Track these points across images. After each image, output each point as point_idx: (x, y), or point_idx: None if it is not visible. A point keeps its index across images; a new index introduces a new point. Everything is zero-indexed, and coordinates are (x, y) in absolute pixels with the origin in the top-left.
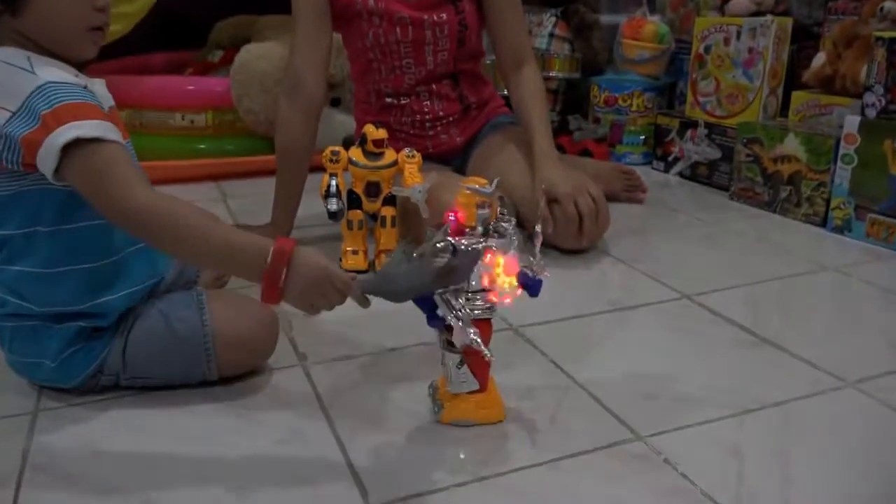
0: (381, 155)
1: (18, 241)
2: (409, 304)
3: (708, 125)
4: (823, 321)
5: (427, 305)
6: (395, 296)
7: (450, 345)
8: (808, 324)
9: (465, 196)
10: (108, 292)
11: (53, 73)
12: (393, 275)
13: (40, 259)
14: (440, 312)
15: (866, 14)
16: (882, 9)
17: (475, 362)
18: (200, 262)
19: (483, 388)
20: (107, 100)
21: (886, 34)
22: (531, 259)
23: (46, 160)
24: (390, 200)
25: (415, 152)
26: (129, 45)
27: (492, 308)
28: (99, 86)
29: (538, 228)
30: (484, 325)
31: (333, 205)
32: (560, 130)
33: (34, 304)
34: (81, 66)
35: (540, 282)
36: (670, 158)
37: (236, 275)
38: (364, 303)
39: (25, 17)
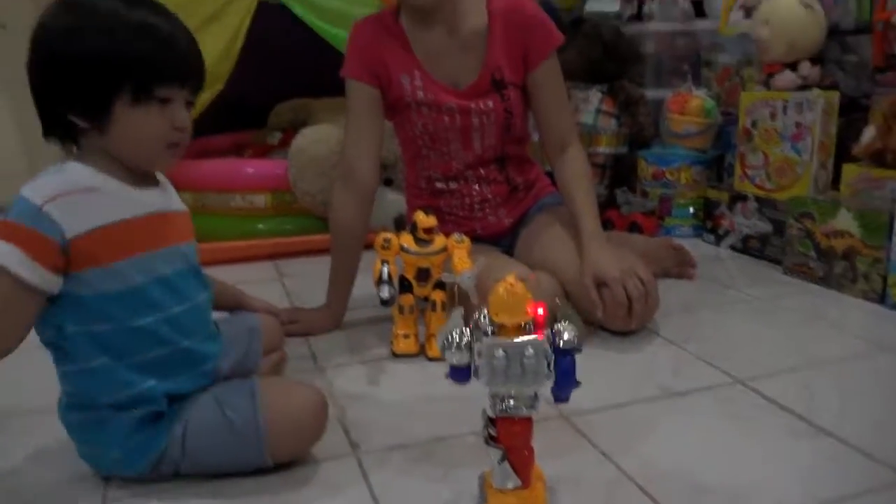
0: (430, 241)
1: (57, 341)
2: (461, 390)
3: (758, 199)
4: (881, 409)
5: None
6: None
7: (492, 439)
8: (865, 412)
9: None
10: (151, 380)
11: (41, 194)
12: None
13: (82, 356)
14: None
15: None
16: None
17: (517, 458)
18: None
19: (526, 485)
20: (164, 203)
21: None
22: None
23: None
24: (441, 285)
25: (464, 237)
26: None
27: (534, 404)
28: (155, 194)
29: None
30: (525, 422)
31: (385, 292)
32: (608, 204)
33: (92, 396)
34: None
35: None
36: (721, 232)
37: None
38: None
39: (110, 134)
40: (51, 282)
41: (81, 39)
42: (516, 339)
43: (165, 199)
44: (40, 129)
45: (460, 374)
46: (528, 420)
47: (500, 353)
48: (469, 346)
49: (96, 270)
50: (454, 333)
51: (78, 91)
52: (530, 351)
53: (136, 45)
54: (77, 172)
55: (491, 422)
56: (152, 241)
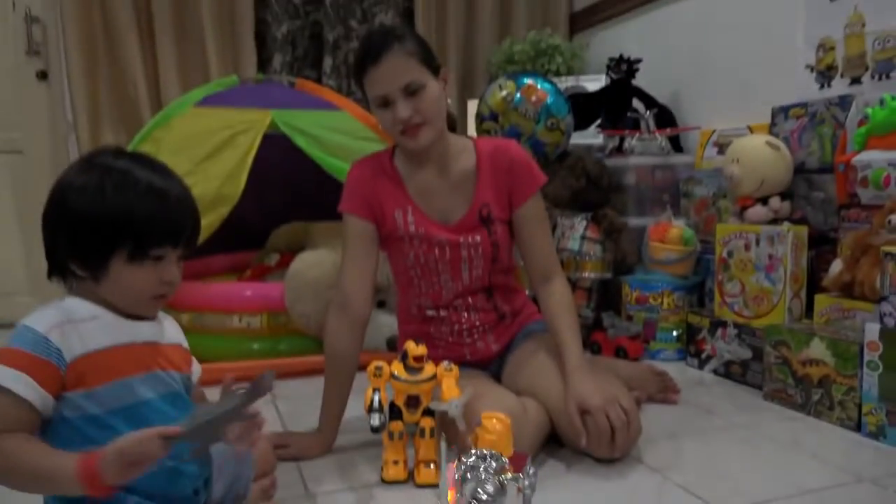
0: (420, 369)
1: None
2: None
3: (737, 325)
4: None
5: None
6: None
7: None
8: None
9: None
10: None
11: (45, 323)
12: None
13: None
14: None
15: (876, 226)
16: (890, 221)
17: None
18: (31, 492)
19: None
20: (155, 335)
21: (894, 249)
22: None
23: None
24: (430, 412)
25: (452, 365)
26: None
27: None
28: (147, 326)
29: None
30: None
31: (376, 420)
32: (595, 327)
33: None
34: None
35: None
36: (703, 356)
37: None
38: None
39: (103, 284)
40: (49, 405)
41: (93, 199)
42: (528, 467)
43: (158, 331)
44: (43, 249)
45: None
46: None
47: (526, 482)
48: (500, 493)
49: (82, 393)
50: (487, 488)
51: (81, 245)
52: (532, 469)
53: (140, 208)
54: (76, 305)
55: None
56: (137, 368)
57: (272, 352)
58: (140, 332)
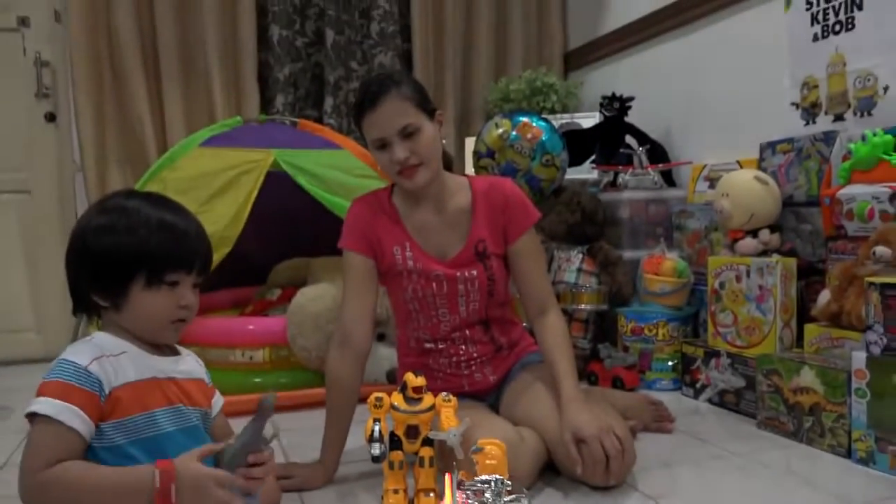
0: (419, 400)
1: None
2: None
3: (730, 355)
4: None
5: None
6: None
7: None
8: None
9: None
10: None
11: (84, 356)
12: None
13: None
14: None
15: (862, 257)
16: (875, 252)
17: None
18: None
19: None
20: (176, 370)
21: (878, 280)
22: None
23: None
24: (429, 442)
25: (451, 396)
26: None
27: None
28: (170, 361)
29: None
30: None
31: (376, 450)
32: (591, 357)
33: None
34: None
35: None
36: (698, 385)
37: None
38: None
39: (123, 312)
40: (92, 434)
41: (109, 237)
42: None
43: (179, 366)
44: (49, 287)
45: None
46: None
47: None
48: None
49: (112, 423)
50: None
51: (102, 278)
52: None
53: (153, 241)
54: (106, 339)
55: None
56: (161, 401)
57: (274, 385)
58: (163, 367)
